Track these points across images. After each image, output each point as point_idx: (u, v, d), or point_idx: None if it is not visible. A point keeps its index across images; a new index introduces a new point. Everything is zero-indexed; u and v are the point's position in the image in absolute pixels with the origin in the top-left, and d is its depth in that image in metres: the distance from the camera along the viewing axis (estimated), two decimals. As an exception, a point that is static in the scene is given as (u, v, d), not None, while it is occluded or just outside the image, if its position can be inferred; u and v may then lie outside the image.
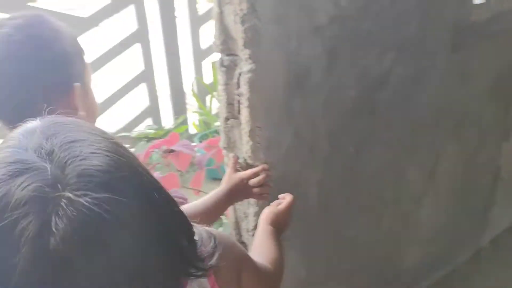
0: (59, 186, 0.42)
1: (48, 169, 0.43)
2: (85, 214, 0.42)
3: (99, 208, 0.43)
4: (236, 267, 0.69)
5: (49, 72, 0.79)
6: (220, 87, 1.06)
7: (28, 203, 0.41)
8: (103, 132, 0.51)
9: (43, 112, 0.75)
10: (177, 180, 1.35)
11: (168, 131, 2.64)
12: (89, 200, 0.42)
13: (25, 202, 0.41)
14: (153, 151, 1.54)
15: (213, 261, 0.60)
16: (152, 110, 2.71)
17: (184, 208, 1.03)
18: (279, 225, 0.97)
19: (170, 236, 0.52)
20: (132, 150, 2.57)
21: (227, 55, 1.00)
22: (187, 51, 2.77)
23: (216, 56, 1.04)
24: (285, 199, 1.00)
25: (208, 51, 2.81)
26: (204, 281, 0.61)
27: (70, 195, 0.42)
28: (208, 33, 2.94)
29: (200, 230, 0.62)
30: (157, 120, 2.75)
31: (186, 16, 2.71)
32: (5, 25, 0.77)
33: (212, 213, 1.04)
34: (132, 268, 0.47)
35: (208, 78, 2.86)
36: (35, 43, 0.78)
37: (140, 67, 2.61)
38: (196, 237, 0.60)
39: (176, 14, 2.62)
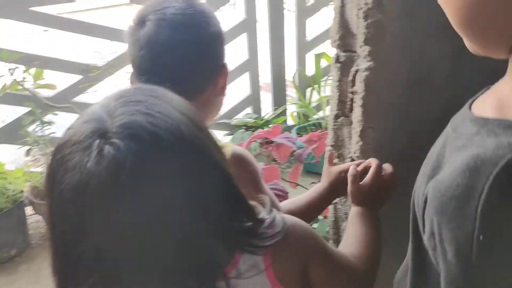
0: (101, 134, 0.51)
1: (103, 121, 0.52)
2: (107, 160, 0.50)
3: (119, 156, 0.50)
4: (302, 257, 0.66)
5: (216, 45, 0.85)
6: (333, 84, 1.03)
7: (78, 143, 0.52)
8: (174, 99, 0.57)
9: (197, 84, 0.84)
10: (278, 172, 1.35)
11: (266, 121, 2.67)
12: (113, 147, 0.50)
13: (78, 142, 0.52)
14: (255, 141, 1.56)
15: (271, 242, 0.61)
16: (253, 99, 2.75)
17: (284, 204, 1.02)
18: (369, 202, 0.86)
19: (207, 203, 0.55)
20: (230, 137, 2.65)
21: (344, 51, 0.97)
22: (292, 42, 2.76)
23: (332, 52, 1.01)
24: (371, 165, 0.88)
25: (313, 43, 2.78)
26: (258, 259, 0.62)
27: (98, 141, 0.51)
28: (314, 25, 2.90)
29: (274, 214, 0.64)
30: (256, 109, 2.79)
31: (293, 7, 2.69)
32: (174, 1, 0.82)
33: (312, 210, 1.01)
34: (152, 225, 0.51)
35: (310, 70, 2.83)
36: (206, 16, 0.84)
37: (244, 56, 2.65)
38: (267, 218, 0.62)
39: (284, 5, 2.62)
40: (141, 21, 0.81)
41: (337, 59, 0.98)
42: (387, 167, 0.90)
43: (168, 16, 0.80)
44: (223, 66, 0.87)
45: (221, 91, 0.87)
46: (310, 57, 2.79)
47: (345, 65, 0.97)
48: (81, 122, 0.54)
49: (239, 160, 0.88)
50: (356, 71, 0.94)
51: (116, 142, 0.50)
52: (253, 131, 2.57)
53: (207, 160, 0.56)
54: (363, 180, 0.88)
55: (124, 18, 2.53)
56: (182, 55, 0.80)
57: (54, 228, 0.55)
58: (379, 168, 0.88)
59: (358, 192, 0.87)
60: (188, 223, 0.53)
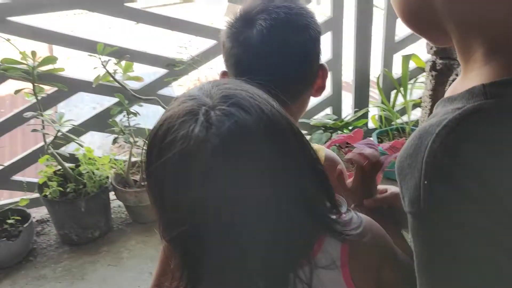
0: (204, 104, 0.56)
1: (202, 97, 0.58)
2: (215, 125, 0.54)
3: (226, 118, 0.54)
4: (378, 257, 0.68)
5: (319, 46, 0.86)
6: (426, 92, 0.96)
7: (184, 115, 0.56)
8: (257, 90, 0.61)
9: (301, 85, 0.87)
10: (357, 181, 1.29)
11: (346, 123, 2.59)
12: (219, 112, 0.55)
13: (183, 115, 0.56)
14: (335, 145, 1.51)
15: (351, 233, 0.64)
16: (333, 100, 2.68)
17: None
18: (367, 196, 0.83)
19: (298, 182, 0.58)
20: (308, 137, 2.61)
21: (441, 58, 0.89)
22: (379, 42, 2.65)
23: (423, 54, 0.93)
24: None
25: (401, 44, 2.64)
26: (336, 256, 0.64)
27: (204, 109, 0.56)
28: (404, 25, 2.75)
29: (352, 212, 0.67)
30: (336, 110, 2.71)
31: (383, 5, 2.57)
32: (280, 0, 0.83)
33: None
34: (245, 190, 0.55)
35: (396, 72, 2.70)
36: (312, 17, 0.84)
37: (327, 55, 2.59)
38: (344, 212, 0.66)
39: (374, 3, 2.51)
40: (249, 21, 0.81)
41: (433, 67, 0.91)
42: (370, 156, 0.86)
43: (282, 16, 0.79)
44: (322, 67, 0.87)
45: (317, 92, 0.88)
46: (397, 58, 2.65)
47: (441, 73, 0.90)
48: (179, 102, 0.59)
49: (331, 163, 0.90)
50: (454, 80, 0.86)
51: (224, 108, 0.55)
52: (332, 132, 2.51)
53: (302, 140, 0.61)
54: (349, 183, 0.86)
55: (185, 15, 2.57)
56: (297, 55, 0.81)
57: (154, 187, 0.61)
58: (360, 169, 0.85)
59: (352, 194, 0.84)
60: (279, 197, 0.57)
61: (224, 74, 0.88)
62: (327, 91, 2.69)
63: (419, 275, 0.50)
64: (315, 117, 2.66)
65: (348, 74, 2.73)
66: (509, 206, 0.44)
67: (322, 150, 0.90)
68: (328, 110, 2.72)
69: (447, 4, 0.52)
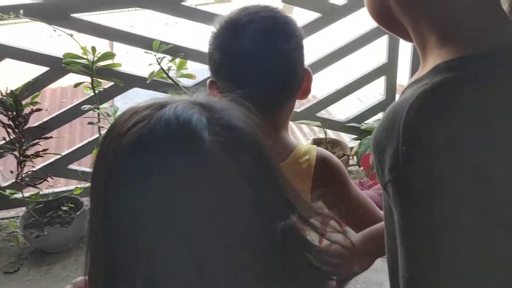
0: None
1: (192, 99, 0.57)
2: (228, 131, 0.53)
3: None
4: None
5: (303, 52, 0.88)
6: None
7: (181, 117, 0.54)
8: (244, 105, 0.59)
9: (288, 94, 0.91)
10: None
11: (398, 129, 2.50)
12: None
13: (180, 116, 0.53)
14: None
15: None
16: (387, 105, 2.60)
17: None
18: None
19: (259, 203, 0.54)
20: (357, 142, 2.54)
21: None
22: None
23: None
24: None
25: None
26: None
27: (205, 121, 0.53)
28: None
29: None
30: (389, 115, 2.64)
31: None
32: (262, 10, 0.85)
33: None
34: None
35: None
36: (295, 23, 0.87)
37: (382, 59, 2.52)
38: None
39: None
40: (238, 31, 0.82)
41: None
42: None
43: (270, 25, 0.82)
44: (306, 71, 0.90)
45: (303, 95, 0.91)
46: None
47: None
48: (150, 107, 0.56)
49: (323, 161, 0.93)
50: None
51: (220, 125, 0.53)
52: (383, 138, 2.44)
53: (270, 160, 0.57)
54: None
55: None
56: (287, 62, 0.84)
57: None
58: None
59: None
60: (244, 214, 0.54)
61: (212, 83, 0.90)
62: (381, 95, 2.61)
63: (400, 243, 0.52)
64: (366, 121, 2.59)
65: (404, 78, 2.64)
66: (479, 163, 0.49)
67: (314, 149, 0.93)
68: (381, 115, 2.65)
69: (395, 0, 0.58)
